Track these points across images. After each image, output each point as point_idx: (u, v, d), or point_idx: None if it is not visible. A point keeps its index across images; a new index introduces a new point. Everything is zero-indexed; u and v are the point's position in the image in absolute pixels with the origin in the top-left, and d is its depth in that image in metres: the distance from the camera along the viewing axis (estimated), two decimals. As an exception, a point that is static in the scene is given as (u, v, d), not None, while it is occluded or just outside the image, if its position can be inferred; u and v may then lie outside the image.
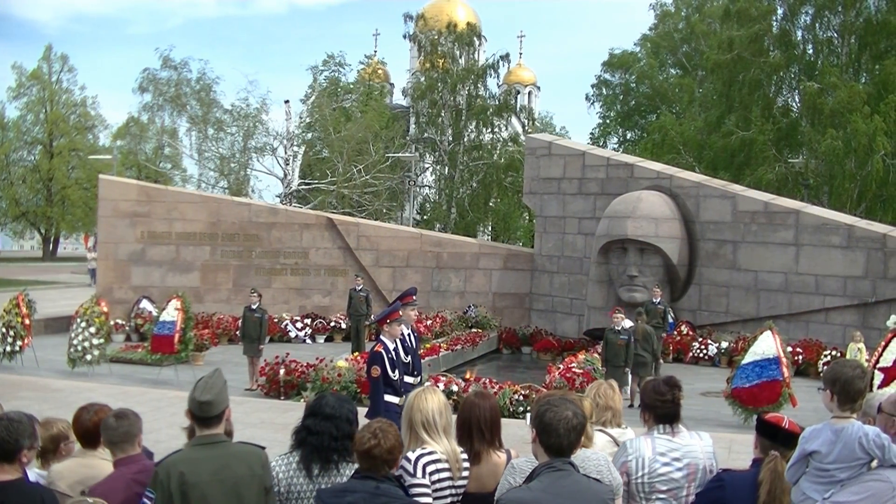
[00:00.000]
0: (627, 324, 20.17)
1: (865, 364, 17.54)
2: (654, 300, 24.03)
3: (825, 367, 6.61)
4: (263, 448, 5.77)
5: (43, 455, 6.60)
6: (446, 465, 5.75)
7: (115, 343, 25.98)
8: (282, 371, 19.33)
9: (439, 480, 5.70)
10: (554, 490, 4.75)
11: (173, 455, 5.63)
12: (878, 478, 5.48)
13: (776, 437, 5.87)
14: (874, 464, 5.54)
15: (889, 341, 16.76)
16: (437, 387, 17.52)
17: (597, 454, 5.70)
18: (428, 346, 24.71)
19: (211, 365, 21.92)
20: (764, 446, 5.93)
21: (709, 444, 6.19)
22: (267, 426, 14.68)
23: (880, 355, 16.94)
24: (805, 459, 5.65)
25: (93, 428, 6.29)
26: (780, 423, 5.97)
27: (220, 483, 5.36)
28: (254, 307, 21.35)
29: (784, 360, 17.60)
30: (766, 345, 17.74)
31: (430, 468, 5.67)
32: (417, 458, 5.68)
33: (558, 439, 4.89)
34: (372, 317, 27.57)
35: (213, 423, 5.50)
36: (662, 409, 6.13)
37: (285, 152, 54.94)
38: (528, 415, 6.09)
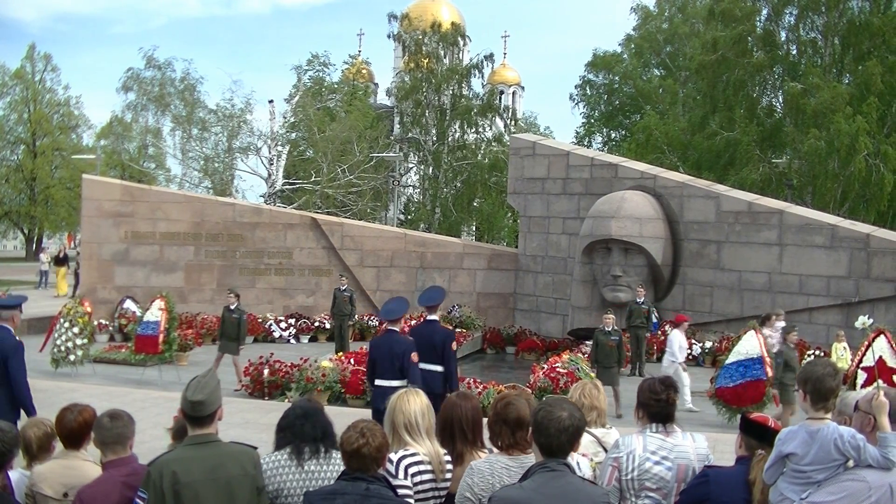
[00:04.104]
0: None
1: (849, 363, 17.66)
2: (638, 300, 24.11)
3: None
4: (255, 448, 5.77)
5: (36, 454, 6.58)
6: (429, 467, 5.77)
7: (99, 343, 25.93)
8: (266, 371, 19.29)
9: (421, 482, 5.73)
10: (546, 490, 4.76)
11: (166, 455, 5.63)
12: (854, 478, 5.50)
13: (764, 437, 5.90)
14: (850, 463, 5.56)
15: (872, 341, 16.83)
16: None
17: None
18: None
19: (195, 365, 21.98)
20: (750, 445, 5.96)
21: (703, 446, 6.20)
22: (251, 426, 14.66)
23: (863, 354, 17.01)
24: (782, 461, 5.67)
25: (77, 428, 6.27)
26: (767, 423, 6.00)
27: (212, 483, 5.37)
28: (232, 308, 21.23)
29: (768, 359, 17.65)
30: (750, 344, 17.80)
31: (412, 470, 5.70)
32: (399, 460, 5.71)
33: (548, 439, 4.91)
34: (356, 316, 27.78)
35: (205, 422, 5.52)
36: (655, 408, 6.15)
37: (269, 152, 54.79)
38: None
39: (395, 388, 11.20)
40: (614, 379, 18.67)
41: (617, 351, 19.27)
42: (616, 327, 20.11)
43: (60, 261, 44.54)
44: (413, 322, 26.44)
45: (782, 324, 20.27)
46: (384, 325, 13.54)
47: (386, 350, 12.61)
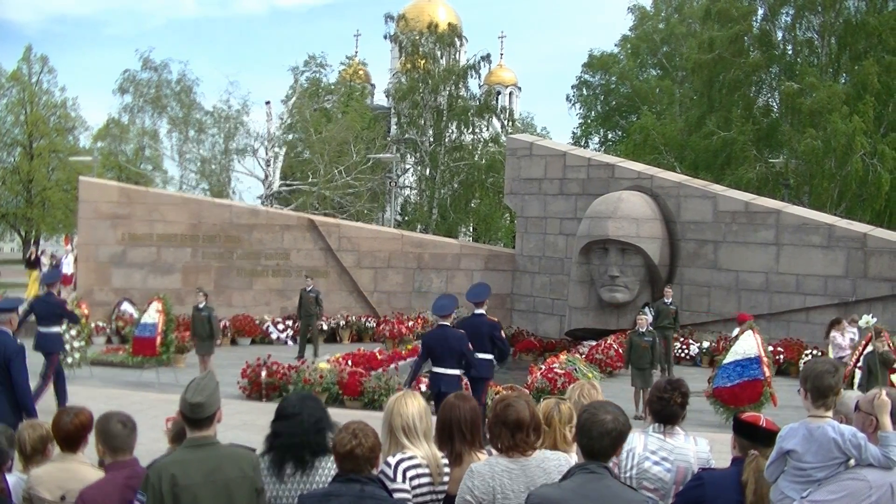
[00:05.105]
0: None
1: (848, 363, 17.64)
2: (666, 300, 23.83)
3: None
4: (254, 450, 5.78)
5: (30, 457, 6.58)
6: (427, 471, 5.77)
7: (96, 345, 25.85)
8: (263, 373, 19.26)
9: (419, 486, 5.72)
10: (583, 492, 4.76)
11: (164, 457, 5.64)
12: (855, 477, 5.52)
13: (755, 437, 5.92)
14: (852, 462, 5.57)
15: (869, 340, 16.82)
16: (419, 387, 17.61)
17: (557, 455, 5.67)
18: (410, 347, 24.77)
19: (192, 367, 21.94)
20: (743, 446, 5.98)
21: (704, 449, 6.23)
22: (249, 428, 14.64)
23: (861, 354, 17.01)
24: (783, 458, 5.69)
25: (73, 431, 6.27)
26: (758, 423, 6.01)
27: (211, 485, 5.38)
28: (200, 307, 21.32)
29: (765, 359, 17.66)
30: (748, 344, 17.80)
31: (410, 473, 5.69)
32: (398, 464, 5.70)
33: (591, 441, 4.91)
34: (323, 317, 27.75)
35: (204, 424, 5.52)
36: (658, 407, 6.19)
37: (266, 153, 54.77)
38: None
39: (453, 376, 14.29)
40: (648, 381, 18.35)
41: (651, 352, 19.08)
42: (650, 328, 20.05)
43: (32, 264, 43.80)
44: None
45: (854, 329, 20.01)
46: (437, 321, 15.29)
47: (443, 342, 14.31)
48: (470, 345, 14.47)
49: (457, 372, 14.41)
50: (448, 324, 14.74)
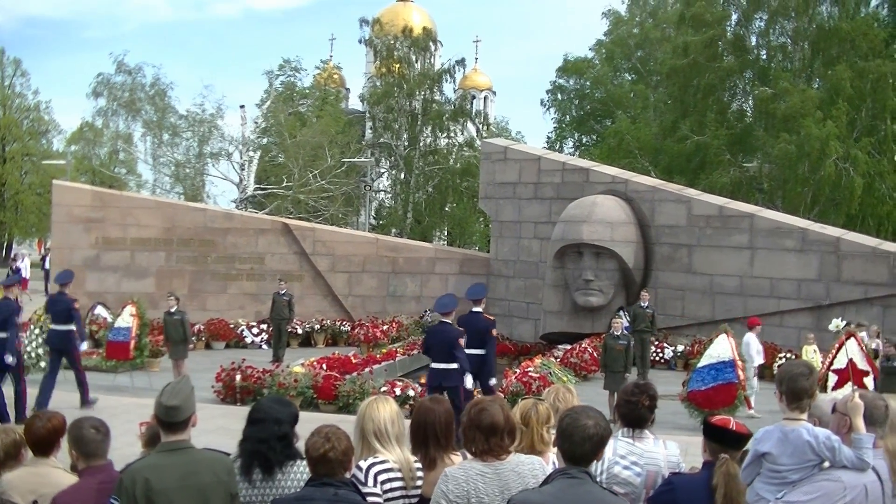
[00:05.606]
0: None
1: (819, 366, 17.72)
2: (643, 304, 23.82)
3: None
4: (229, 455, 5.75)
5: (3, 462, 6.52)
6: (399, 475, 5.76)
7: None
8: (238, 377, 19.24)
9: (391, 490, 5.72)
10: (564, 496, 4.77)
11: (138, 461, 5.60)
12: (829, 478, 5.54)
13: (725, 440, 5.91)
14: (826, 464, 5.59)
15: (842, 344, 16.91)
16: (394, 391, 17.64)
17: (531, 459, 5.67)
18: (385, 350, 24.77)
19: (166, 371, 21.85)
20: (713, 449, 5.96)
21: (674, 453, 6.22)
22: (223, 432, 14.57)
23: (834, 357, 17.10)
24: (758, 460, 5.71)
25: (45, 435, 6.23)
26: (728, 426, 6.00)
27: (185, 489, 5.36)
28: (172, 311, 21.18)
29: (739, 362, 17.73)
30: (722, 348, 17.87)
31: (381, 477, 5.69)
32: (369, 468, 5.70)
33: (572, 446, 4.92)
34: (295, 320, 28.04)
35: (179, 428, 5.50)
36: (626, 410, 6.19)
37: (240, 157, 54.67)
38: None
39: (447, 370, 15.07)
40: (620, 384, 18.41)
41: (625, 355, 19.07)
42: (626, 331, 20.12)
43: None
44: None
45: (863, 333, 20.02)
46: (438, 319, 16.11)
47: (440, 338, 15.30)
48: (461, 340, 15.22)
49: (452, 366, 15.03)
50: (449, 321, 15.56)
